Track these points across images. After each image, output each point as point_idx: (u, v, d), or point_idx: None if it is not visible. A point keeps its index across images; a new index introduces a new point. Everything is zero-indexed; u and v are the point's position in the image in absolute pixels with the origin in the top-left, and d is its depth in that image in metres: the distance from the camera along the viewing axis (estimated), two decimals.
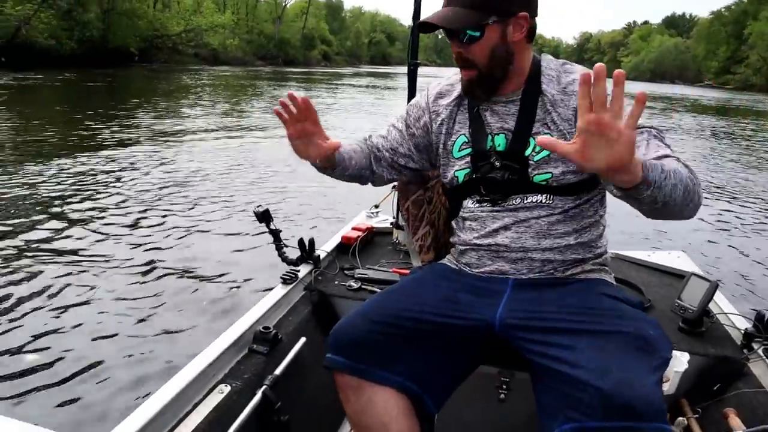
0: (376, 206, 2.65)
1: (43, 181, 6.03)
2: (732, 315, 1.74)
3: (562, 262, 1.30)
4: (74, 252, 4.03)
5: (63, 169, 6.63)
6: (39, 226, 4.57)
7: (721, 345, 1.59)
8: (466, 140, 1.37)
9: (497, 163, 1.30)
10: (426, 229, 1.76)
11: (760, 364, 1.52)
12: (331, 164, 1.41)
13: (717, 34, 75.35)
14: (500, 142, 1.31)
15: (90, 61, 26.55)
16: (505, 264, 1.31)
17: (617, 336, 1.08)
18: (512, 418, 1.64)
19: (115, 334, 2.92)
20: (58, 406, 2.34)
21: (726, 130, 16.93)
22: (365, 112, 15.79)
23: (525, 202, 1.29)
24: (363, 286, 1.88)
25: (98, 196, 5.61)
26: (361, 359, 1.19)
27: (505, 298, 1.26)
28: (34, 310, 3.13)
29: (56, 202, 5.31)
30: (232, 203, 5.61)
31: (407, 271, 1.83)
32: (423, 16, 1.47)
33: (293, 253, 1.91)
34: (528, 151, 1.28)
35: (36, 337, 2.84)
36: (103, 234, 4.47)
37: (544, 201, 1.28)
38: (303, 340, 1.60)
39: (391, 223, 2.35)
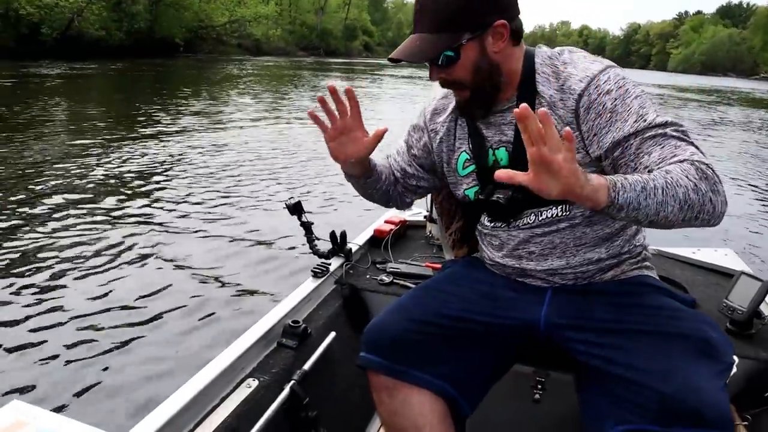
0: None
1: (106, 162, 6.42)
2: None
3: (599, 270, 1.22)
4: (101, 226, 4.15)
5: (129, 151, 7.06)
6: (80, 206, 4.72)
7: None
8: (468, 157, 1.29)
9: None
10: (459, 223, 1.71)
11: None
12: (366, 170, 1.32)
13: None
14: (502, 156, 1.22)
15: (137, 52, 27.25)
16: (537, 280, 1.25)
17: (678, 338, 1.03)
18: (547, 419, 1.59)
19: (144, 322, 2.97)
20: (86, 394, 2.40)
21: None
22: (409, 102, 15.75)
23: (540, 218, 1.20)
24: (395, 281, 1.85)
25: (143, 180, 5.78)
26: (398, 359, 1.17)
27: (548, 297, 1.21)
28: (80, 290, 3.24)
29: (112, 182, 5.58)
30: (268, 192, 5.67)
31: (440, 266, 1.79)
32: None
33: (324, 245, 1.89)
34: None
35: (71, 319, 2.94)
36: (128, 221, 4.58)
37: (560, 214, 1.18)
38: (333, 334, 1.58)
39: (425, 217, 2.30)
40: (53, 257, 3.71)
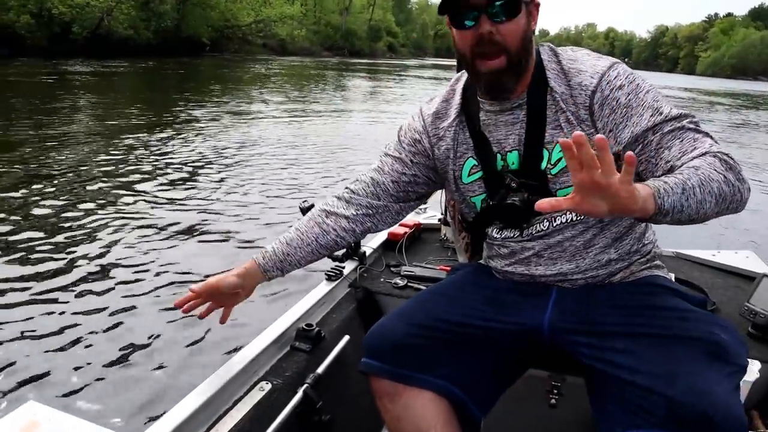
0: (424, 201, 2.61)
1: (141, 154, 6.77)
2: None
3: (608, 273, 1.20)
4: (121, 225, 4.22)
5: (165, 144, 7.45)
6: (99, 199, 4.81)
7: None
8: (475, 163, 1.23)
9: (514, 184, 1.15)
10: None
11: None
12: (267, 276, 1.32)
13: None
14: (513, 159, 1.17)
15: (164, 51, 27.68)
16: (544, 284, 1.22)
17: (686, 341, 1.00)
18: (563, 424, 1.57)
19: (159, 324, 2.98)
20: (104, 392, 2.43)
21: None
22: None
23: (554, 224, 1.16)
24: (409, 284, 1.85)
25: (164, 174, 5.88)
26: (400, 363, 1.15)
27: (553, 300, 1.19)
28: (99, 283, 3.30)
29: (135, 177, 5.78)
30: (283, 194, 5.69)
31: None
32: None
33: None
34: (544, 164, 1.14)
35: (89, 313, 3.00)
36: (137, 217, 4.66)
37: (575, 218, 1.15)
38: (346, 338, 1.57)
39: (439, 220, 2.30)
40: (76, 253, 3.78)
